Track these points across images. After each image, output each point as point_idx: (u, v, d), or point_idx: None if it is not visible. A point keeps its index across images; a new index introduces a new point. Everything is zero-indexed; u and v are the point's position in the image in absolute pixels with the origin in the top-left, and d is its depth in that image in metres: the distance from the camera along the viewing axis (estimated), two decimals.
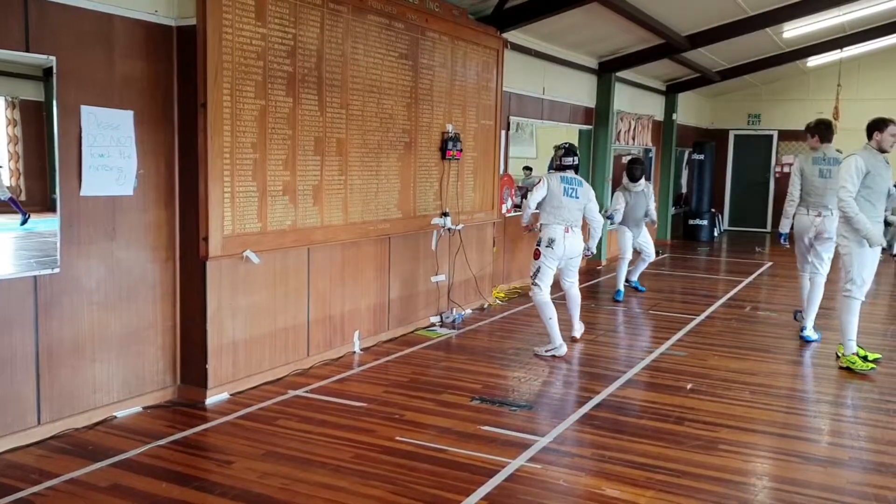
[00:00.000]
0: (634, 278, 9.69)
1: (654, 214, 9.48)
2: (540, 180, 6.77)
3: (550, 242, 6.51)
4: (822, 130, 7.00)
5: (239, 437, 4.57)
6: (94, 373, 4.71)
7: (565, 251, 6.56)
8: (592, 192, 6.86)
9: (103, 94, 4.57)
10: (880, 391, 5.71)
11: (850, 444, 4.68)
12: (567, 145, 6.88)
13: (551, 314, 6.50)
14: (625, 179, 9.32)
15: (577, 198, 6.61)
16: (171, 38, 4.96)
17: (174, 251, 5.13)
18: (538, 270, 6.55)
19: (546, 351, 6.54)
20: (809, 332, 7.15)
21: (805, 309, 7.21)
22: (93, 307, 4.66)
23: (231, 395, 5.29)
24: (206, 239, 4.98)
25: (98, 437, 4.52)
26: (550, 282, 6.61)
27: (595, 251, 7.23)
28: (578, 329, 7.10)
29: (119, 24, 4.63)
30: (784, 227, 7.24)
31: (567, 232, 6.54)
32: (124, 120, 4.68)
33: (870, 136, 6.19)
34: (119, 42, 4.64)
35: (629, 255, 9.28)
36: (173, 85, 5.00)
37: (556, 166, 6.77)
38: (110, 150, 4.62)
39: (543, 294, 6.53)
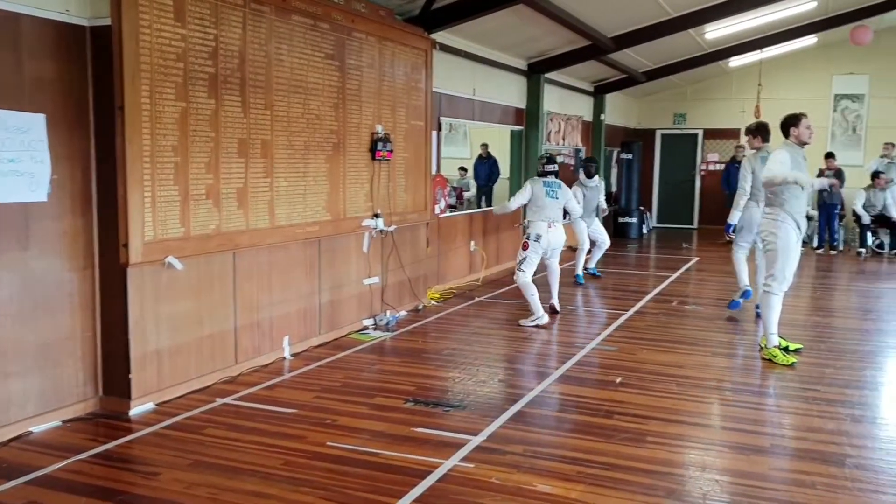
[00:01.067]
0: (592, 265, 10.62)
1: (604, 205, 10.80)
2: (523, 186, 8.03)
3: (538, 237, 7.69)
4: (763, 132, 7.94)
5: (165, 448, 4.45)
6: (8, 387, 4.52)
7: (549, 243, 7.76)
8: (570, 192, 8.25)
9: (11, 97, 4.39)
10: (801, 380, 5.87)
11: (771, 432, 4.81)
12: (548, 155, 8.22)
13: (533, 291, 7.64)
14: (581, 176, 10.44)
15: (558, 198, 7.84)
16: (84, 39, 4.80)
17: (93, 259, 4.96)
18: (525, 259, 7.72)
19: (531, 321, 7.60)
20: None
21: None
22: (5, 319, 4.47)
23: (156, 404, 5.15)
24: (126, 245, 4.83)
25: (12, 453, 4.34)
26: (534, 269, 7.75)
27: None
28: (555, 300, 8.19)
29: (27, 24, 4.46)
30: (733, 219, 8.03)
31: (550, 227, 7.72)
32: (35, 124, 4.51)
33: (787, 133, 6.36)
34: (27, 42, 4.47)
35: (587, 246, 10.35)
36: (88, 87, 4.84)
37: (540, 172, 8.00)
38: (21, 155, 4.44)
39: (527, 276, 7.68)
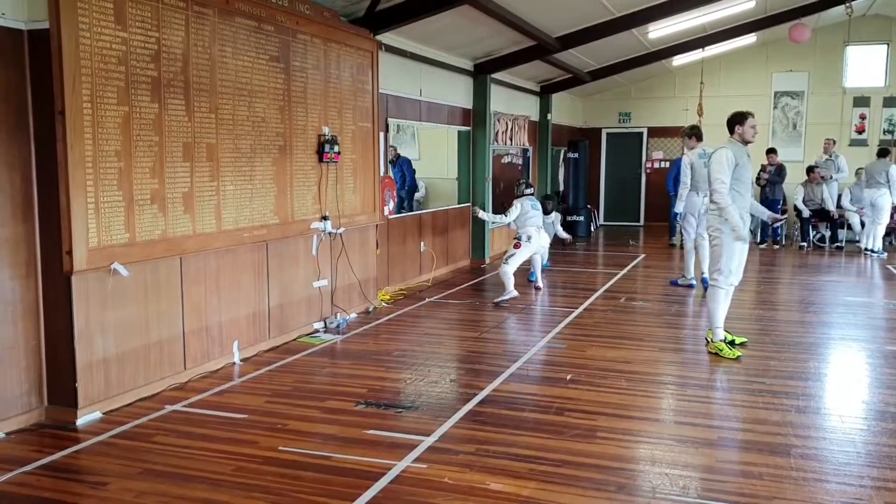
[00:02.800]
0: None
1: (563, 234, 12.03)
2: (513, 205, 9.52)
3: (529, 238, 9.16)
4: (699, 133, 9.62)
5: (113, 457, 4.38)
6: None
7: (538, 243, 9.36)
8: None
9: None
10: (747, 373, 6.02)
11: (719, 425, 4.92)
12: (526, 181, 10.03)
13: (510, 278, 8.84)
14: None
15: (539, 210, 9.58)
16: (21, 43, 4.69)
17: (35, 267, 4.86)
18: (514, 255, 9.01)
19: (505, 296, 8.76)
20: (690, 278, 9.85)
21: (700, 263, 9.47)
22: None
23: (104, 413, 5.07)
24: (69, 253, 4.74)
25: None
26: (518, 262, 9.02)
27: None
28: (540, 281, 9.78)
29: None
30: (678, 208, 9.91)
31: (537, 231, 9.31)
32: None
33: (731, 131, 6.50)
34: None
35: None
36: (27, 92, 4.73)
37: (520, 194, 9.66)
38: None
39: (510, 269, 8.88)
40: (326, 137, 7.34)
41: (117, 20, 4.99)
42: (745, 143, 6.48)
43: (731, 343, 6.59)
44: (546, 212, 10.94)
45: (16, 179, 4.71)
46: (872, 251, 12.93)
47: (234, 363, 6.30)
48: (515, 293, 8.88)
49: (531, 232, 9.26)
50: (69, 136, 4.66)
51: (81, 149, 4.76)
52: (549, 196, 12.13)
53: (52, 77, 4.64)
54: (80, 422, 4.90)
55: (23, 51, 4.71)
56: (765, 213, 7.42)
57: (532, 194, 9.76)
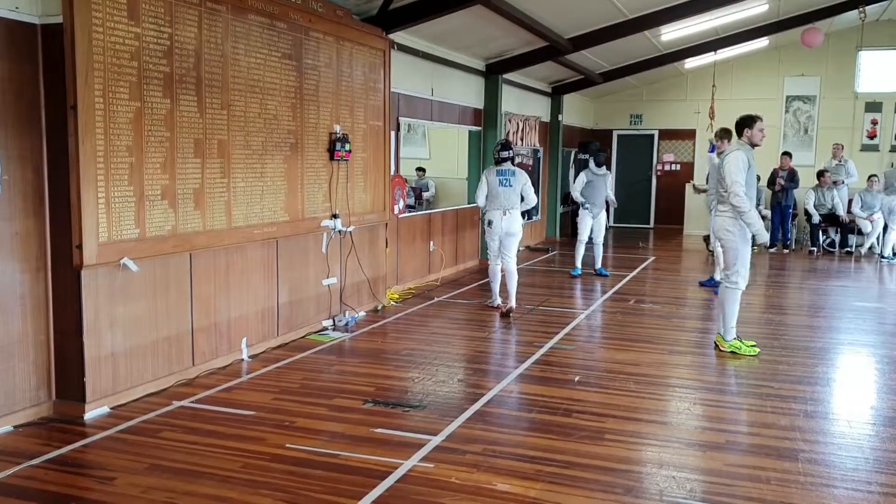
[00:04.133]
0: (598, 264, 10.93)
1: (612, 198, 11.37)
2: (481, 179, 8.31)
3: (490, 223, 8.13)
4: (730, 135, 8.42)
5: (121, 452, 4.38)
6: None
7: (502, 229, 8.06)
8: (525, 177, 8.25)
9: None
10: (755, 377, 5.99)
11: (726, 429, 4.89)
12: (503, 141, 8.57)
13: (493, 279, 8.36)
14: (592, 164, 10.81)
15: (512, 186, 8.05)
16: (35, 37, 4.71)
17: (45, 261, 4.87)
18: (486, 245, 8.49)
19: (488, 302, 8.48)
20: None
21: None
22: None
23: (111, 408, 5.07)
24: (79, 247, 4.75)
25: None
26: (495, 253, 8.23)
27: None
28: (511, 303, 8.21)
29: None
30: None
31: (504, 215, 8.04)
32: None
33: (740, 133, 6.49)
34: None
35: (584, 237, 10.85)
36: (39, 86, 4.75)
37: (495, 160, 8.22)
38: None
39: (491, 263, 8.33)
40: (338, 135, 7.34)
41: (130, 15, 5.00)
42: (753, 146, 6.47)
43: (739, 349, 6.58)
44: (599, 164, 10.64)
45: (27, 173, 4.73)
46: (886, 257, 12.90)
47: (243, 360, 6.31)
48: (496, 301, 8.34)
49: (494, 216, 8.06)
50: (81, 131, 4.67)
51: (93, 143, 4.77)
52: (602, 149, 11.33)
53: (64, 71, 4.65)
54: (87, 416, 4.91)
55: (36, 45, 4.72)
56: (762, 235, 6.49)
57: (508, 159, 8.18)
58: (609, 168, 11.34)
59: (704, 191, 11.29)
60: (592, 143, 10.86)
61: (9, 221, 4.63)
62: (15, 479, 4.01)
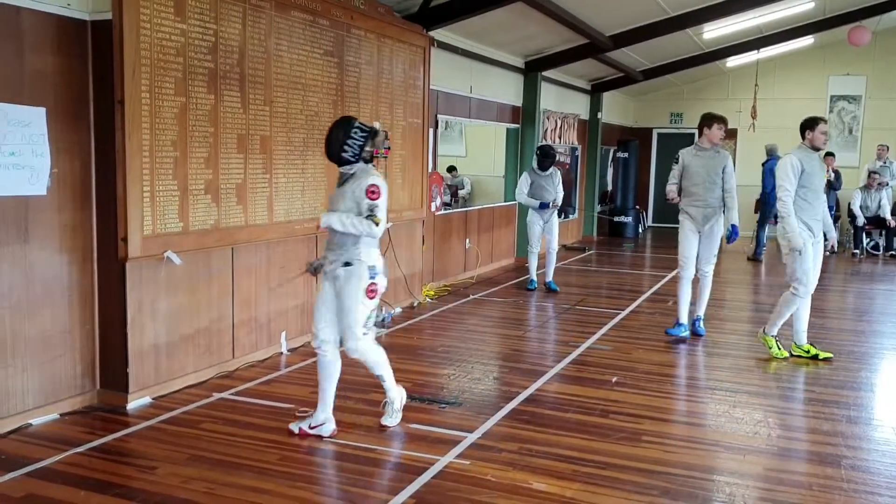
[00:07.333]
0: (549, 277, 9.58)
1: (557, 198, 9.41)
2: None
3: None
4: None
5: (162, 442, 4.46)
6: (7, 379, 4.53)
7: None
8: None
9: (12, 90, 4.40)
10: (797, 381, 5.93)
11: (767, 433, 4.82)
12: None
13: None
14: (535, 164, 9.39)
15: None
16: (85, 33, 4.81)
17: (91, 253, 4.97)
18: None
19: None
20: None
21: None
22: (5, 312, 4.49)
23: (153, 399, 5.16)
24: (124, 240, 4.84)
25: (12, 445, 4.35)
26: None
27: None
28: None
29: (28, 17, 4.46)
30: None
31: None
32: (36, 117, 4.51)
33: (803, 136, 6.32)
34: (28, 36, 4.47)
35: (536, 249, 9.55)
36: (88, 81, 4.85)
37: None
38: (22, 149, 4.44)
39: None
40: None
41: (177, 12, 5.07)
42: (815, 149, 6.29)
43: (815, 357, 6.42)
44: (544, 168, 9.26)
45: (76, 166, 4.83)
46: None
47: (282, 353, 6.38)
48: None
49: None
50: (127, 125, 4.76)
51: (139, 138, 4.86)
52: (547, 147, 9.56)
53: (112, 67, 4.73)
54: (130, 406, 5.00)
55: (86, 40, 4.82)
56: (831, 236, 6.84)
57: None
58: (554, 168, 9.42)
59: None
60: (546, 146, 9.55)
61: (57, 213, 4.73)
62: (60, 466, 4.10)
